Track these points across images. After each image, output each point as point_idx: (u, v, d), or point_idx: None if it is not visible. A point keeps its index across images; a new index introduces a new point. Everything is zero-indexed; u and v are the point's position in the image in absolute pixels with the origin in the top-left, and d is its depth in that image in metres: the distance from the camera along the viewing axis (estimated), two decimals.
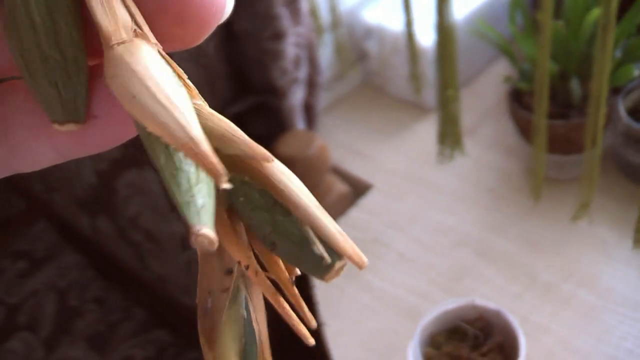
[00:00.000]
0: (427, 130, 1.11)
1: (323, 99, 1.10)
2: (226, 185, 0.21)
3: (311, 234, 0.24)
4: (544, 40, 0.81)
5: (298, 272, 0.26)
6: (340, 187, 1.02)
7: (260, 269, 0.25)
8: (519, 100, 0.99)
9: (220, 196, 0.24)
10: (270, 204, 0.24)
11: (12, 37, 0.24)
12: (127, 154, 1.14)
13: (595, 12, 0.87)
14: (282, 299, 0.26)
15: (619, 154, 1.00)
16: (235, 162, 0.24)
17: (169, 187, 0.22)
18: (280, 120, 1.01)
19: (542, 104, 0.86)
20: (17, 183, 1.47)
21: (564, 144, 0.96)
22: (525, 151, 1.02)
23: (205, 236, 0.21)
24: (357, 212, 1.02)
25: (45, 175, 1.31)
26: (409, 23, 0.94)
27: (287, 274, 0.26)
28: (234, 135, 0.24)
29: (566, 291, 0.91)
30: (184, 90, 0.23)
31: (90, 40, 0.24)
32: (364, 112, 1.17)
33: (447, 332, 0.81)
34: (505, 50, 0.98)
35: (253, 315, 0.27)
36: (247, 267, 0.25)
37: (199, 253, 0.27)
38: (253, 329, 0.27)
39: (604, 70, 0.79)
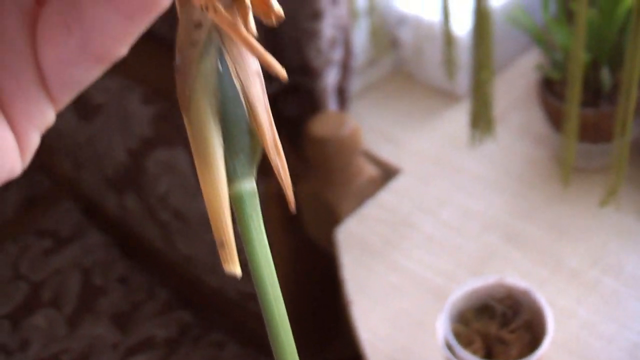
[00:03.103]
0: (457, 117, 1.12)
1: (355, 84, 1.12)
2: None
3: None
4: (579, 30, 0.82)
5: (278, 11, 0.26)
6: (370, 170, 1.03)
7: (219, 6, 0.24)
8: (550, 88, 1.00)
9: None
10: None
11: None
12: (158, 132, 1.16)
13: (629, 1, 0.88)
14: (244, 31, 0.25)
15: None
16: None
17: None
18: (312, 101, 1.03)
19: (574, 92, 0.87)
20: (44, 162, 1.49)
21: (593, 132, 0.97)
22: (554, 139, 1.03)
23: None
24: (387, 195, 1.04)
25: (75, 153, 1.33)
26: (445, 8, 0.95)
27: (247, 3, 0.25)
28: None
29: (592, 277, 0.92)
30: None
31: None
32: (395, 98, 1.18)
33: (475, 309, 0.82)
34: (538, 38, 0.99)
35: (233, 70, 0.26)
36: (206, 8, 0.24)
37: (178, 12, 0.26)
38: (233, 85, 0.26)
39: (636, 58, 0.80)
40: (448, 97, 1.16)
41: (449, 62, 1.01)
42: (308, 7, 0.90)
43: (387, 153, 1.09)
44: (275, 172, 0.26)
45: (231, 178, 0.26)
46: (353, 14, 1.09)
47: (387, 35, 1.17)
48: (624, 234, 0.96)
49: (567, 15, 0.96)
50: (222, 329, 1.32)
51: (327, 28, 0.94)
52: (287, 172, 0.26)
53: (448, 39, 0.99)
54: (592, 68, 0.95)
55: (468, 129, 0.99)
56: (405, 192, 1.04)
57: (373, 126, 1.13)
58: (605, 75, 0.95)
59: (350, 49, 1.02)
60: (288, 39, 0.96)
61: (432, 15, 1.11)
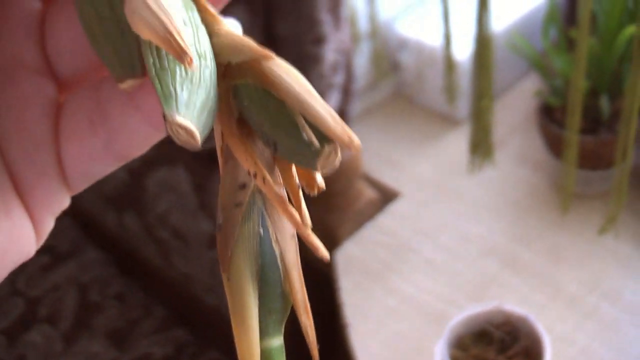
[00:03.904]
0: (456, 141, 1.13)
1: (355, 107, 1.12)
2: (193, 65, 0.22)
3: (301, 121, 0.24)
4: (579, 58, 0.83)
5: (321, 183, 0.26)
6: (369, 193, 1.03)
7: (268, 177, 0.25)
8: (549, 115, 1.01)
9: (231, 107, 0.25)
10: (268, 101, 0.24)
11: (76, 4, 0.25)
12: (159, 151, 1.16)
13: (629, 30, 0.89)
14: (292, 209, 0.25)
15: None
16: (244, 70, 0.25)
17: (155, 84, 0.23)
18: None
19: (574, 119, 0.88)
20: None
21: (592, 159, 0.98)
22: (553, 165, 1.03)
23: (181, 125, 0.22)
24: (386, 218, 1.04)
25: None
26: (447, 33, 0.96)
27: (296, 181, 0.26)
28: (241, 43, 0.25)
29: (590, 303, 0.92)
30: (194, 12, 0.24)
31: None
32: (395, 121, 1.19)
33: (474, 335, 0.83)
34: (538, 64, 1.00)
35: (273, 235, 0.26)
36: (255, 175, 0.25)
37: (220, 166, 0.26)
38: (272, 250, 0.26)
39: (636, 86, 0.81)
40: (448, 121, 1.17)
41: (450, 88, 1.01)
42: (312, 32, 0.91)
43: (386, 177, 1.10)
44: (304, 331, 0.27)
45: (262, 334, 0.27)
46: (355, 37, 1.09)
47: (388, 59, 1.18)
48: (623, 261, 0.96)
49: (567, 42, 0.97)
50: (219, 348, 1.32)
51: (330, 53, 0.95)
52: (314, 331, 0.27)
53: (449, 64, 0.99)
54: (591, 95, 0.96)
55: (468, 154, 0.99)
56: (405, 216, 1.05)
57: (373, 150, 1.14)
58: (604, 103, 0.95)
59: (352, 73, 1.03)
60: (291, 62, 0.96)
61: (433, 39, 1.12)
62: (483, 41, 0.89)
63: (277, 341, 0.27)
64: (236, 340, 0.26)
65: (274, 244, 0.26)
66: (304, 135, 0.24)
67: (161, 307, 1.38)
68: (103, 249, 1.46)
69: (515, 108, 1.16)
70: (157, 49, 0.23)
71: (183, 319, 1.36)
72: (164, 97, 0.22)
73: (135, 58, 0.25)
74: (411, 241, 1.01)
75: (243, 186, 0.26)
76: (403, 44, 1.16)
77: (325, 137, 0.24)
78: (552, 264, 0.97)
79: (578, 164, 0.94)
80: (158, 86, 0.23)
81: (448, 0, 0.96)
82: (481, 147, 0.97)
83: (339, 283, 0.97)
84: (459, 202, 1.06)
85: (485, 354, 0.81)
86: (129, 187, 1.23)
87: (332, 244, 1.01)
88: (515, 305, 0.84)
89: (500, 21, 1.09)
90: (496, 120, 0.99)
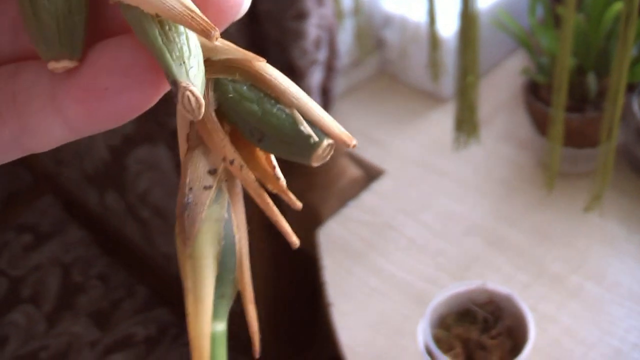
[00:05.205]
0: (441, 119, 1.12)
1: (339, 85, 1.11)
2: (217, 42, 0.24)
3: (298, 115, 0.25)
4: (566, 35, 0.82)
5: (282, 181, 0.27)
6: (352, 171, 1.02)
7: (245, 164, 0.26)
8: (535, 93, 0.99)
9: (209, 97, 0.26)
10: (259, 96, 0.26)
11: None
12: (140, 130, 1.15)
13: (616, 7, 0.88)
14: (266, 195, 0.26)
15: (631, 151, 1.01)
16: (225, 66, 0.26)
17: (162, 56, 0.23)
18: None
19: (560, 97, 0.87)
20: (25, 157, 1.47)
21: (578, 137, 0.97)
22: (539, 144, 1.02)
23: (193, 93, 0.23)
24: (369, 196, 1.03)
25: (55, 150, 1.32)
26: (431, 10, 0.94)
27: (270, 169, 0.27)
28: (226, 44, 0.26)
29: (574, 282, 0.92)
30: None
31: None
32: (379, 99, 1.17)
33: (457, 314, 0.82)
34: (524, 42, 0.99)
35: (234, 221, 0.27)
36: (232, 162, 0.26)
37: (182, 151, 0.27)
38: (233, 235, 0.27)
39: (623, 64, 0.80)
40: (433, 99, 1.16)
41: (434, 65, 1.00)
42: (293, 7, 0.89)
43: (370, 154, 1.09)
44: (248, 319, 0.28)
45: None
46: (338, 14, 1.08)
47: (373, 36, 1.17)
48: (607, 240, 0.95)
49: (554, 19, 0.96)
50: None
51: (312, 28, 0.93)
52: (256, 320, 0.28)
53: (434, 42, 0.98)
54: (578, 73, 0.95)
55: (453, 132, 0.98)
56: (388, 195, 1.04)
57: (357, 127, 1.13)
58: (591, 80, 0.94)
59: (335, 49, 1.01)
60: (273, 38, 0.95)
61: (418, 16, 1.11)
62: (468, 18, 0.88)
63: (222, 326, 0.28)
64: (189, 317, 0.26)
65: (235, 229, 0.27)
66: (302, 128, 0.25)
67: (144, 287, 1.38)
68: (86, 229, 1.45)
69: (501, 86, 1.15)
70: (161, 23, 0.24)
71: (166, 299, 1.36)
72: (176, 65, 0.23)
73: (79, 40, 0.25)
74: (395, 220, 1.00)
75: (213, 172, 0.27)
76: (387, 20, 1.15)
77: (321, 133, 0.25)
78: (536, 242, 0.96)
79: (564, 142, 0.93)
80: (167, 55, 0.23)
81: None
82: (466, 124, 0.96)
83: (321, 262, 0.96)
84: (443, 180, 1.05)
85: (468, 333, 0.80)
86: (110, 166, 1.22)
87: (314, 222, 1.00)
88: (499, 284, 0.83)
89: None
90: (482, 98, 0.98)
